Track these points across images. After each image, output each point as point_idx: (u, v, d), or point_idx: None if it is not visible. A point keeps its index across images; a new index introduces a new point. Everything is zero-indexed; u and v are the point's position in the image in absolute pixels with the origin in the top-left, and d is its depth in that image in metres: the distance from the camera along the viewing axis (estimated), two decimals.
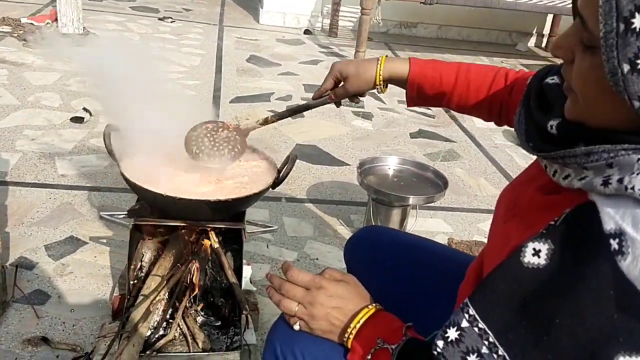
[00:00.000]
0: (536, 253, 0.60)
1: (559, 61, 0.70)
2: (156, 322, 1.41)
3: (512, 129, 0.88)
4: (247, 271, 1.75)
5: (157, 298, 1.40)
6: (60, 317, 1.62)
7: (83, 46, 1.70)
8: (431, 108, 3.58)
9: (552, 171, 0.67)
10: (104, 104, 2.40)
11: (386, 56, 1.16)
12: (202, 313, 1.49)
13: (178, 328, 1.42)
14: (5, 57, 3.62)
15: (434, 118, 3.61)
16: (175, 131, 1.36)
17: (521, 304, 0.60)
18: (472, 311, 0.63)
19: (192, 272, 1.45)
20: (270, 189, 1.40)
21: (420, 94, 1.14)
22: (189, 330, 1.43)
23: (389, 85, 1.17)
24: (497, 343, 0.61)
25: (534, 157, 0.77)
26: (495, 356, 0.61)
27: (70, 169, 2.43)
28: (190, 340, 1.41)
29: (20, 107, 2.97)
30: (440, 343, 0.64)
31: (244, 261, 1.58)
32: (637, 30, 0.51)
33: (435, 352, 0.64)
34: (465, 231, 2.39)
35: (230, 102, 3.45)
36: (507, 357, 0.60)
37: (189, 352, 1.40)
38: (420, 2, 4.35)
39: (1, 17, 4.24)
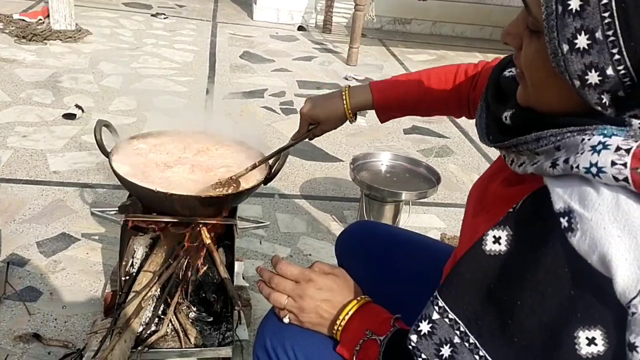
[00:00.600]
0: (496, 240, 0.61)
1: None
2: (148, 318, 1.41)
3: None
4: (239, 267, 1.75)
5: (149, 294, 1.40)
6: (52, 313, 1.61)
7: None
8: None
9: (510, 161, 0.69)
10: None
11: (347, 88, 1.20)
12: (194, 309, 1.48)
13: (170, 324, 1.42)
14: None
15: None
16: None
17: (487, 291, 0.61)
18: (441, 303, 0.64)
19: (184, 267, 1.45)
20: (262, 184, 1.40)
21: (390, 114, 1.22)
22: (180, 326, 1.42)
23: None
24: (467, 332, 0.61)
25: None
26: (467, 344, 0.61)
27: (62, 165, 2.42)
28: (182, 336, 1.41)
29: (11, 103, 2.95)
30: (414, 337, 0.65)
31: (237, 257, 1.59)
32: (574, 11, 0.54)
33: (410, 347, 0.65)
34: (458, 227, 2.40)
35: (223, 98, 3.44)
36: (478, 344, 0.60)
37: (181, 347, 1.40)
38: None
39: None
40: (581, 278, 0.54)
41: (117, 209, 1.44)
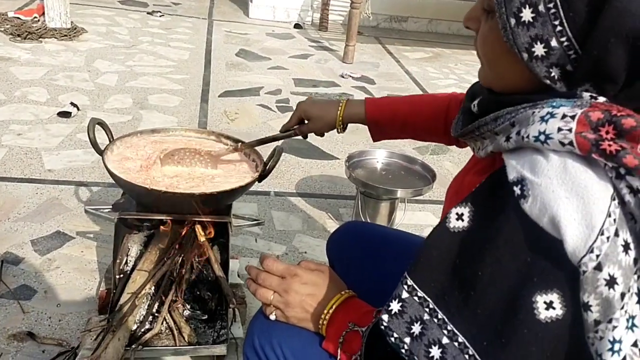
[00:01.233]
0: (459, 217, 0.63)
1: None
2: (142, 316, 1.41)
3: None
4: (234, 265, 1.75)
5: (143, 292, 1.40)
6: (47, 312, 1.61)
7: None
8: None
9: (477, 148, 0.72)
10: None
11: (347, 100, 1.23)
12: (189, 307, 1.48)
13: (164, 322, 1.42)
14: None
15: None
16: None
17: (452, 267, 0.62)
18: (410, 282, 0.64)
19: (179, 265, 1.44)
20: (257, 182, 1.40)
21: (379, 129, 1.24)
22: (175, 324, 1.42)
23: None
24: (436, 308, 0.62)
25: None
26: (435, 320, 0.62)
27: (57, 163, 2.42)
28: (176, 334, 1.41)
29: (6, 101, 2.94)
30: (385, 317, 0.65)
31: (232, 255, 1.58)
32: None
33: (382, 327, 0.65)
34: None
35: (219, 96, 3.43)
36: (446, 319, 0.61)
37: (175, 345, 1.40)
38: None
39: None
40: (535, 243, 0.55)
41: (111, 207, 1.44)
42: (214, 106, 3.26)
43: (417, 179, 2.14)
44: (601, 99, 0.58)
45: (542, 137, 0.56)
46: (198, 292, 1.49)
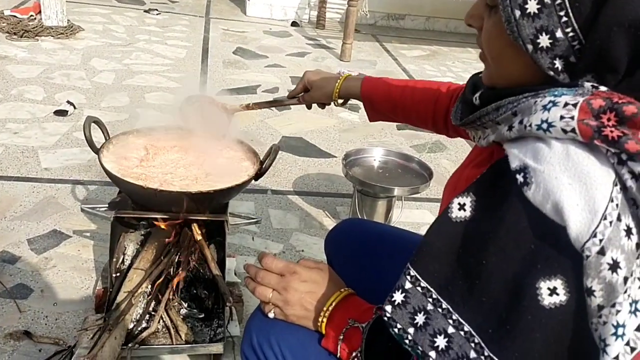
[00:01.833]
0: (461, 207, 0.63)
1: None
2: (139, 315, 1.41)
3: None
4: (231, 263, 1.75)
5: (140, 290, 1.40)
6: (43, 310, 1.61)
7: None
8: None
9: (478, 138, 0.73)
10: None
11: (349, 75, 1.30)
12: (185, 305, 1.48)
13: (161, 320, 1.42)
14: None
15: None
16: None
17: (456, 257, 0.62)
18: (413, 272, 0.64)
19: (175, 264, 1.44)
20: (253, 180, 1.40)
21: (373, 107, 1.28)
22: (172, 323, 1.42)
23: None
24: (440, 298, 0.62)
25: None
26: (440, 310, 0.62)
27: (53, 162, 2.41)
28: (173, 333, 1.41)
29: (2, 100, 2.93)
30: (388, 308, 0.65)
31: (229, 253, 1.58)
32: None
33: (386, 318, 0.65)
34: None
35: (216, 94, 3.42)
36: (450, 309, 0.61)
37: (172, 344, 1.40)
38: None
39: None
40: (539, 230, 0.56)
41: (107, 205, 1.43)
42: None
43: (414, 177, 2.14)
44: (602, 88, 0.58)
45: (544, 125, 0.56)
46: (195, 291, 1.49)
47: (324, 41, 5.00)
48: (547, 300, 0.54)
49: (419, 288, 0.64)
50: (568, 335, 0.55)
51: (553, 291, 0.54)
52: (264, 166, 1.42)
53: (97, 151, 1.36)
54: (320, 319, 0.83)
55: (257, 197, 2.36)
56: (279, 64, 4.17)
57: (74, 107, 2.91)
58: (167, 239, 1.46)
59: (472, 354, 0.58)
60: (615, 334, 0.52)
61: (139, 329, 1.40)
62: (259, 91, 3.57)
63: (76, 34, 4.12)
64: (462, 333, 0.60)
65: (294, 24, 5.45)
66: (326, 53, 4.64)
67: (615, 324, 0.52)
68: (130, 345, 1.35)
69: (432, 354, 0.61)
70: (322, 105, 1.39)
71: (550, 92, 0.59)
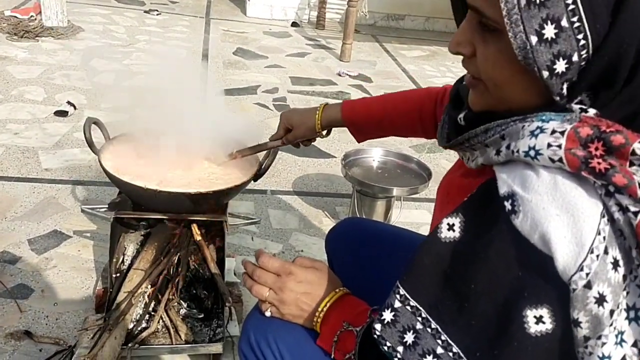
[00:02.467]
0: (450, 227, 0.63)
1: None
2: (139, 315, 1.41)
3: None
4: (231, 263, 1.76)
5: (140, 291, 1.40)
6: (44, 310, 1.62)
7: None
8: None
9: (466, 159, 0.72)
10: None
11: (325, 104, 1.25)
12: (185, 305, 1.49)
13: (161, 320, 1.43)
14: None
15: None
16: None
17: (444, 277, 0.62)
18: (402, 291, 0.65)
19: (175, 264, 1.45)
20: (252, 181, 1.41)
21: (357, 129, 1.24)
22: (171, 323, 1.43)
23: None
24: (429, 317, 0.63)
25: None
26: (429, 330, 0.62)
27: (54, 162, 2.42)
28: (172, 333, 1.42)
29: (3, 100, 2.94)
30: (378, 326, 0.66)
31: (228, 253, 1.59)
32: (538, 2, 0.54)
33: (375, 336, 0.66)
34: None
35: (216, 94, 3.43)
36: (439, 329, 0.62)
37: (172, 344, 1.41)
38: None
39: None
40: (527, 258, 0.56)
41: (107, 206, 1.44)
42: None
43: (413, 177, 2.15)
44: (591, 111, 0.57)
45: (532, 153, 0.56)
46: (194, 291, 1.50)
47: (323, 41, 5.01)
48: (534, 328, 0.55)
49: (408, 307, 0.64)
50: None
51: (539, 319, 0.55)
52: (263, 167, 1.43)
53: (97, 152, 1.37)
54: (315, 319, 0.84)
55: (256, 198, 2.37)
56: (279, 65, 4.17)
57: (74, 108, 2.92)
58: (167, 240, 1.47)
59: None
60: None
61: (139, 329, 1.41)
62: (259, 91, 3.58)
63: (76, 34, 4.13)
64: (450, 354, 0.61)
65: (294, 24, 5.46)
66: (326, 53, 4.65)
67: (600, 355, 0.53)
68: (130, 345, 1.36)
69: None
70: (308, 142, 1.34)
71: (537, 116, 0.58)
